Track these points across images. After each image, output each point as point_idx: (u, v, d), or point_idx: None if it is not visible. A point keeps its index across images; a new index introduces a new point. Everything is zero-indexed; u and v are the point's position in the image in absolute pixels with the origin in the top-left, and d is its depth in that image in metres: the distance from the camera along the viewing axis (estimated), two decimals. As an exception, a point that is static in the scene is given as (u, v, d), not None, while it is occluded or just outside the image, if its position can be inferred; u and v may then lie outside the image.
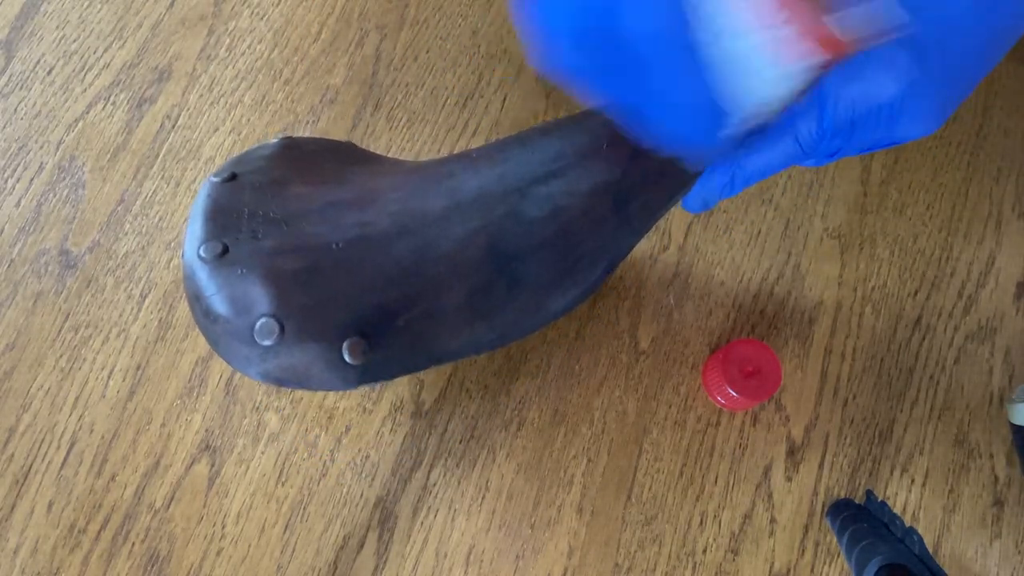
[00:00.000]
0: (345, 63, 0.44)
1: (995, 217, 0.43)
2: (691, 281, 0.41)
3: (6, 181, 0.40)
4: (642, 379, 0.40)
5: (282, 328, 0.24)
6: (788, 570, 0.37)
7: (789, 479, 0.39)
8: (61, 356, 0.38)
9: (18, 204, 0.40)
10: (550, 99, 0.44)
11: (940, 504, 0.39)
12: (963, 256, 0.43)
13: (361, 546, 0.36)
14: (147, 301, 0.39)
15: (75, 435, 0.37)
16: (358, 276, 0.25)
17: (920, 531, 0.38)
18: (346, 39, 0.44)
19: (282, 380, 0.25)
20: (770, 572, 0.37)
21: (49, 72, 0.42)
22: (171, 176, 0.41)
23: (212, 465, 0.37)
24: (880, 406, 0.40)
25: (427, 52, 0.44)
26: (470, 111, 0.43)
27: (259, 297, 0.24)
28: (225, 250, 0.25)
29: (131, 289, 0.39)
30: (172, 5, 0.44)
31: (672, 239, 0.42)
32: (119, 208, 0.40)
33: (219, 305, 0.24)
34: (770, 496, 0.38)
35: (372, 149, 0.42)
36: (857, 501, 0.38)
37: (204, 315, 0.25)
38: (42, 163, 0.41)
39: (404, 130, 0.43)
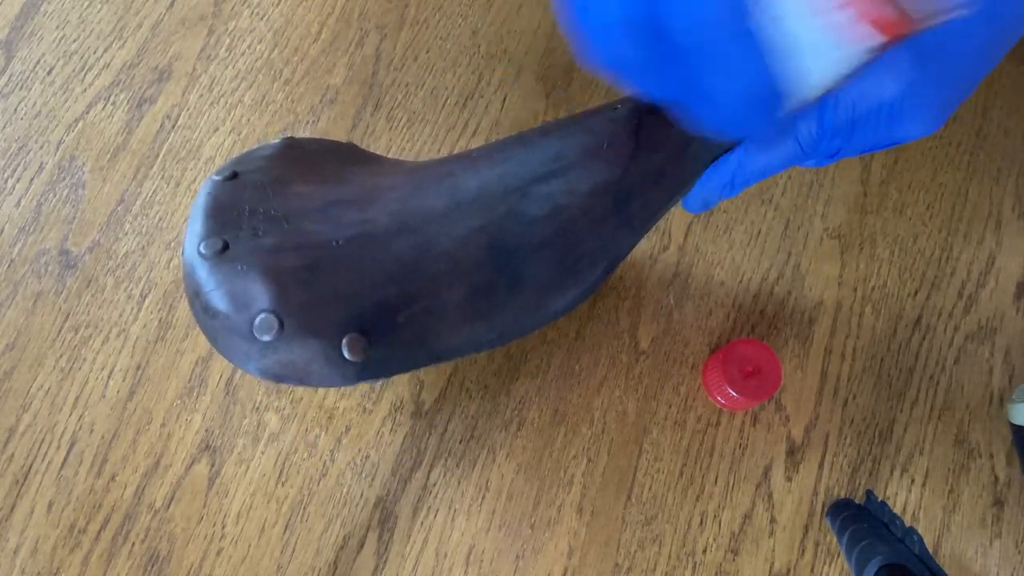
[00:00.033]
0: (345, 63, 0.44)
1: (995, 217, 0.43)
2: (691, 281, 0.41)
3: (6, 181, 0.40)
4: (642, 379, 0.40)
5: (281, 324, 0.24)
6: (788, 570, 0.37)
7: (789, 479, 0.39)
8: (61, 356, 0.38)
9: (18, 204, 0.40)
10: (550, 99, 0.44)
11: (940, 504, 0.39)
12: (963, 256, 0.43)
13: (361, 546, 0.36)
14: (147, 301, 0.39)
15: (75, 435, 0.37)
16: (358, 273, 0.25)
17: (920, 531, 0.38)
18: (346, 39, 0.44)
19: (281, 376, 0.25)
20: (770, 572, 0.37)
21: (49, 72, 0.42)
22: (171, 176, 0.41)
23: (212, 465, 0.37)
24: (880, 406, 0.40)
25: (427, 52, 0.44)
26: (470, 111, 0.43)
27: (259, 293, 0.24)
28: (225, 247, 0.25)
29: (131, 289, 0.39)
30: (172, 5, 0.44)
31: (672, 239, 0.42)
32: (119, 208, 0.40)
33: (218, 301, 0.24)
34: (770, 496, 0.38)
35: (372, 149, 0.42)
36: (857, 501, 0.38)
37: (203, 311, 0.25)
38: (42, 163, 0.41)
39: (404, 130, 0.43)
